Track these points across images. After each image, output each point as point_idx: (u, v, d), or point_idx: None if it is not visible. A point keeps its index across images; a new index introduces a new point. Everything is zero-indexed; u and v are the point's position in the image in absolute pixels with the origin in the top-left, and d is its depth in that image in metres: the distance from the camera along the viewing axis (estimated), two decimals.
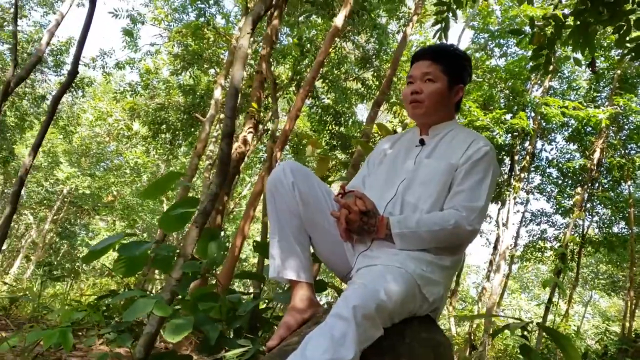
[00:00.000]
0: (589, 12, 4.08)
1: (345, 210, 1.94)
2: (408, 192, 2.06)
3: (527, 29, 4.74)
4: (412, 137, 2.29)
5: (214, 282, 4.16)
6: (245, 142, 5.14)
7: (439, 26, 4.93)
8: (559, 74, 14.38)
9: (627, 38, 4.16)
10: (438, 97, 2.15)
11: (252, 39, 8.54)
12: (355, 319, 1.57)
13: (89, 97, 19.38)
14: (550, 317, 12.61)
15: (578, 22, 4.24)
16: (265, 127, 10.91)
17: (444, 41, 4.89)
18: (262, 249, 3.08)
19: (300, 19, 11.60)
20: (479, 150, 2.06)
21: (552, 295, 11.38)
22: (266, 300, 2.99)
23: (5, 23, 13.83)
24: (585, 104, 12.36)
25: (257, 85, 5.50)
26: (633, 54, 4.17)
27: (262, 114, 12.29)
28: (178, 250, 2.80)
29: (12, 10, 15.24)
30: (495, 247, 13.44)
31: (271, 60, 11.69)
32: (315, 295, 2.11)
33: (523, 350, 2.01)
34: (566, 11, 4.46)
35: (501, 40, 13.01)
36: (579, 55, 5.30)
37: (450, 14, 4.95)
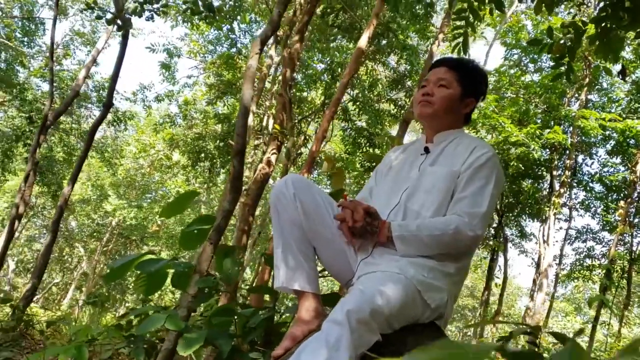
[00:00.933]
0: (609, 18, 4.03)
1: (349, 210, 1.96)
2: (411, 199, 2.06)
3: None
4: (418, 145, 2.30)
5: (241, 300, 4.22)
6: (269, 163, 5.23)
7: (458, 40, 4.95)
8: (597, 87, 14.08)
9: None
10: (448, 102, 2.17)
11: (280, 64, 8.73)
12: (349, 324, 1.57)
13: (132, 130, 20.06)
14: (602, 337, 12.13)
15: (599, 30, 4.18)
16: (298, 152, 11.04)
17: (463, 56, 4.89)
18: (271, 261, 3.11)
19: (332, 45, 11.80)
20: (481, 157, 2.05)
21: (598, 313, 10.95)
22: (279, 313, 3.01)
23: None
24: (624, 116, 12.02)
25: (279, 108, 5.61)
26: None
27: (294, 138, 12.47)
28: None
29: (58, 50, 16.05)
30: (538, 266, 13.09)
31: (303, 85, 11.92)
32: (321, 306, 2.10)
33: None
34: (586, 19, 4.40)
35: (535, 56, 12.88)
36: (617, 66, 5.24)
37: (469, 29, 4.97)
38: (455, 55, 4.27)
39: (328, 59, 12.19)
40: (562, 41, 4.42)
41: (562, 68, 4.66)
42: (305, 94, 13.25)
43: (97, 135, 20.05)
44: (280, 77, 11.16)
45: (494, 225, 14.26)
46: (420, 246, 1.93)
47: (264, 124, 10.19)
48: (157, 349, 2.87)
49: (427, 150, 2.21)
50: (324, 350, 1.53)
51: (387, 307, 1.68)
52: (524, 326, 2.11)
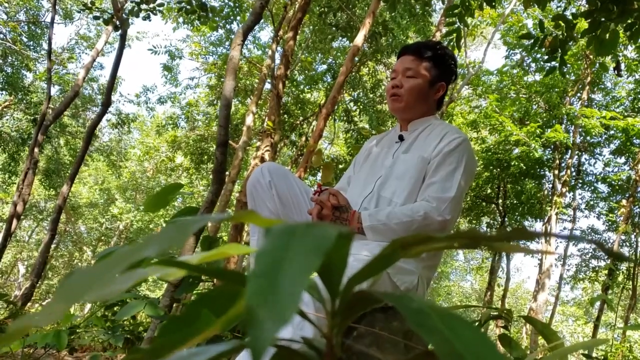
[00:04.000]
0: (598, 11, 4.03)
1: (318, 206, 1.98)
2: (384, 187, 2.08)
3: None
4: (394, 134, 2.33)
5: None
6: (262, 160, 5.26)
7: (451, 37, 4.97)
8: (600, 86, 14.02)
9: None
10: (418, 92, 2.18)
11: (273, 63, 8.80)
12: (314, 302, 1.58)
13: (138, 133, 20.16)
14: (607, 338, 12.01)
15: (590, 23, 4.18)
16: (299, 152, 11.07)
17: (457, 51, 4.91)
18: None
19: (334, 44, 11.84)
20: (451, 142, 2.06)
21: (600, 313, 10.88)
22: None
23: (55, 66, 14.67)
24: (625, 114, 11.97)
25: (272, 104, 5.64)
26: None
27: (297, 138, 12.48)
28: None
29: (63, 54, 16.20)
30: (540, 266, 13.04)
31: (304, 86, 11.95)
32: None
33: (502, 340, 1.98)
34: (574, 9, 4.43)
35: (538, 55, 12.85)
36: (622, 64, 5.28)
37: (462, 25, 4.99)
38: (419, 39, 4.25)
39: (331, 59, 12.22)
40: (553, 34, 4.43)
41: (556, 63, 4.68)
42: (308, 95, 13.27)
43: (104, 139, 20.23)
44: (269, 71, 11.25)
45: (497, 226, 14.22)
46: (391, 234, 1.93)
47: (266, 125, 10.24)
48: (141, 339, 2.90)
49: (401, 138, 2.23)
50: (289, 328, 1.55)
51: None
52: (496, 310, 2.13)
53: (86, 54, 17.01)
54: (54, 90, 15.17)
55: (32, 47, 15.15)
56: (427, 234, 0.35)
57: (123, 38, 6.17)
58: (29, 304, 8.39)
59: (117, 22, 5.94)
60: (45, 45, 15.12)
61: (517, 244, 0.39)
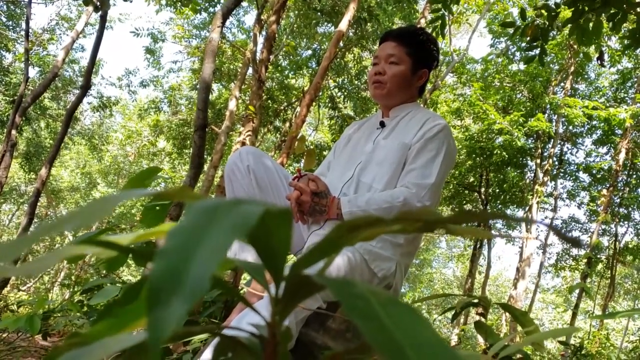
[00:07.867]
0: (582, 0, 4.03)
1: (297, 192, 1.97)
2: (364, 173, 2.08)
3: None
4: (375, 120, 2.32)
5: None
6: (244, 145, 5.21)
7: (436, 24, 4.95)
8: (584, 76, 14.12)
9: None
10: (400, 79, 2.17)
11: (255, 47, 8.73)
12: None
13: (120, 117, 19.92)
14: (586, 326, 12.24)
15: (573, 12, 4.18)
16: (283, 138, 11.04)
17: (441, 38, 4.90)
18: None
19: (319, 30, 11.76)
20: (432, 129, 2.07)
21: (579, 301, 11.05)
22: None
23: (35, 47, 14.41)
24: (607, 104, 12.09)
25: (254, 89, 5.59)
26: (628, 40, 4.12)
27: (281, 124, 12.42)
28: None
29: (44, 35, 15.90)
30: (521, 254, 13.18)
31: (288, 71, 11.87)
32: None
33: (478, 327, 1.99)
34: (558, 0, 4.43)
35: (521, 43, 12.87)
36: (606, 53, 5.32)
37: (447, 11, 4.97)
38: (403, 25, 4.23)
39: (316, 44, 12.16)
40: (535, 22, 4.43)
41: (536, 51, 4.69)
42: (293, 81, 13.20)
43: (86, 122, 19.97)
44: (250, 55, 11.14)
45: None
46: None
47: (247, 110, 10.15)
48: None
49: (382, 124, 2.22)
50: (265, 313, 1.53)
51: (327, 274, 1.68)
52: (471, 297, 2.13)
53: (67, 35, 16.68)
54: (34, 71, 14.90)
55: (11, 27, 14.84)
56: (375, 216, 0.33)
57: (103, 19, 6.04)
58: (7, 287, 8.30)
59: (97, 3, 5.81)
60: (24, 26, 14.81)
61: (474, 228, 0.37)
